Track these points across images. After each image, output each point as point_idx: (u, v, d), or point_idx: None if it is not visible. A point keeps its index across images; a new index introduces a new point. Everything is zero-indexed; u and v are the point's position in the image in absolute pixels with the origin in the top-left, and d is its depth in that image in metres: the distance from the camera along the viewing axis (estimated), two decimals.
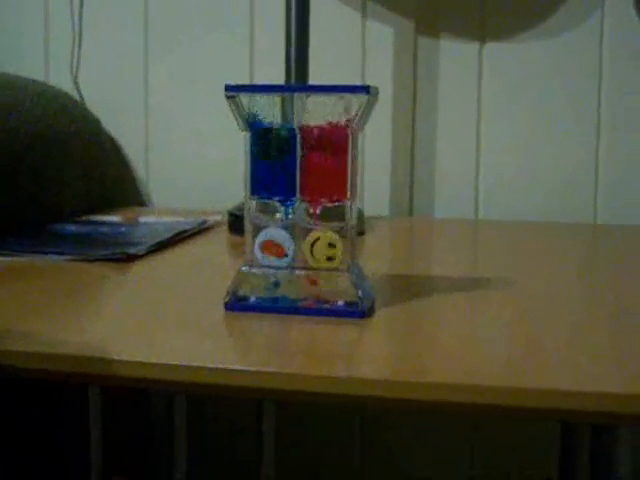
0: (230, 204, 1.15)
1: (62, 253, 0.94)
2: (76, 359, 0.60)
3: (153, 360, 0.58)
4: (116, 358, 0.59)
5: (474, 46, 1.34)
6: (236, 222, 1.10)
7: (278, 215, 0.70)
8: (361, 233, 1.10)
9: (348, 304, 0.68)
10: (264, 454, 1.31)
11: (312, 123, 0.68)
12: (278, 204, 0.70)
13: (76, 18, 1.45)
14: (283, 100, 0.69)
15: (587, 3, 1.29)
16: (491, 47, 1.33)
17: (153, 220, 1.20)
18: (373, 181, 1.36)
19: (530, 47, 1.32)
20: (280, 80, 1.15)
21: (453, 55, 1.34)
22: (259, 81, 1.38)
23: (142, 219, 1.21)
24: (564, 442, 1.16)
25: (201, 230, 1.14)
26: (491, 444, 1.38)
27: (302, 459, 1.45)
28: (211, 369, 0.57)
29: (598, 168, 1.31)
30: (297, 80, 1.11)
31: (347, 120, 0.67)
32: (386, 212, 1.38)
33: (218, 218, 1.19)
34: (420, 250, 1.12)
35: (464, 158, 1.36)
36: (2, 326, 0.66)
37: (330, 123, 0.68)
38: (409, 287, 0.82)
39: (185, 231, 1.09)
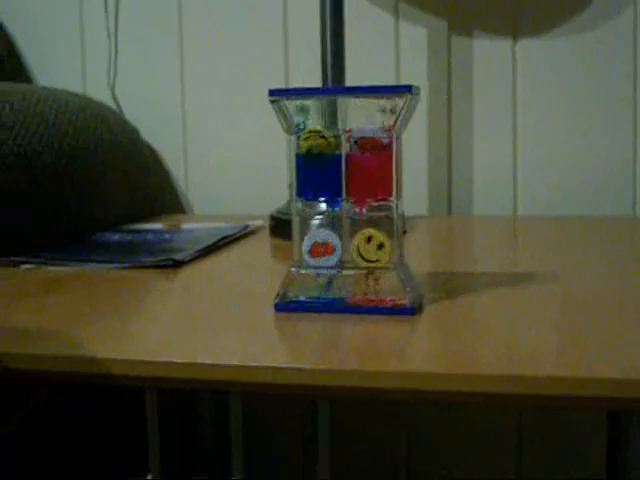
0: (269, 210, 1.16)
1: (110, 262, 0.96)
2: (131, 363, 0.61)
3: (207, 361, 0.59)
4: (170, 360, 0.60)
5: (507, 43, 1.34)
6: (278, 225, 1.11)
7: (325, 215, 0.71)
8: (403, 232, 1.10)
9: (397, 301, 0.69)
10: (320, 454, 1.31)
11: (355, 124, 0.69)
12: (324, 205, 0.71)
13: (112, 29, 1.48)
14: (326, 102, 0.70)
15: None
16: (524, 44, 1.33)
17: (196, 226, 1.21)
18: (411, 181, 1.36)
19: (564, 42, 1.32)
20: (316, 83, 1.16)
21: (487, 53, 1.35)
22: (294, 86, 1.39)
23: (185, 226, 1.22)
24: (611, 434, 1.16)
25: (244, 235, 1.15)
26: (538, 444, 1.38)
27: (357, 458, 1.45)
28: (265, 368, 0.58)
29: (636, 161, 1.31)
30: (334, 83, 1.12)
31: (390, 120, 0.68)
32: (424, 212, 1.38)
33: (259, 223, 1.20)
34: (462, 247, 1.12)
35: (501, 155, 1.36)
36: (57, 332, 0.68)
37: (373, 123, 0.69)
38: (454, 284, 0.82)
39: (229, 236, 1.10)
